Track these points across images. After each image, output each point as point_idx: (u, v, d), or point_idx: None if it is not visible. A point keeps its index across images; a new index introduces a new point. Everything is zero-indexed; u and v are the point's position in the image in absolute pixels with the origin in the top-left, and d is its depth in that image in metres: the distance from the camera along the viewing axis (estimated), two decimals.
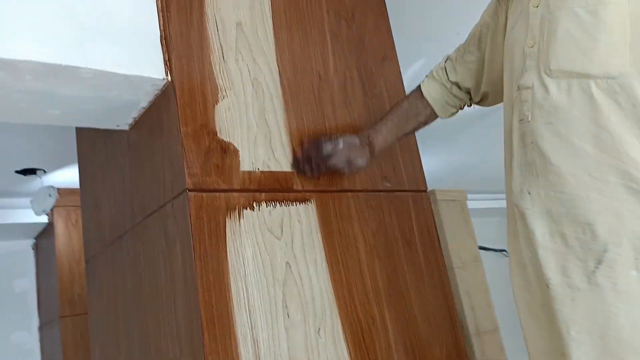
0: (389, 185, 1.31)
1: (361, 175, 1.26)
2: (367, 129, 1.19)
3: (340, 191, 1.21)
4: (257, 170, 1.08)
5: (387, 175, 1.32)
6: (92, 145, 1.46)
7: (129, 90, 1.04)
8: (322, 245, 1.12)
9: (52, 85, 0.96)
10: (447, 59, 1.16)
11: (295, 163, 1.12)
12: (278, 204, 1.09)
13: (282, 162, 1.13)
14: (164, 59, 1.04)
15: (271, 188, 1.09)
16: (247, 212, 1.04)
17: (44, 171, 2.64)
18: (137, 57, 1.01)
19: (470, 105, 1.18)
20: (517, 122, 0.86)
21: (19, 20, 0.89)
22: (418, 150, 1.41)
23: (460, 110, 1.19)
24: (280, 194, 1.10)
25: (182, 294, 0.98)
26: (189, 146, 1.00)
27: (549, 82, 0.80)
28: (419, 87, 1.18)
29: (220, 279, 0.96)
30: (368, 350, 1.11)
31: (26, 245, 3.20)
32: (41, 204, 2.58)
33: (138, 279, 1.16)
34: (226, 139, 1.06)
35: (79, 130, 1.58)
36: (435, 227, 1.37)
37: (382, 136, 1.16)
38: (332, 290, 1.11)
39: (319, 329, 1.06)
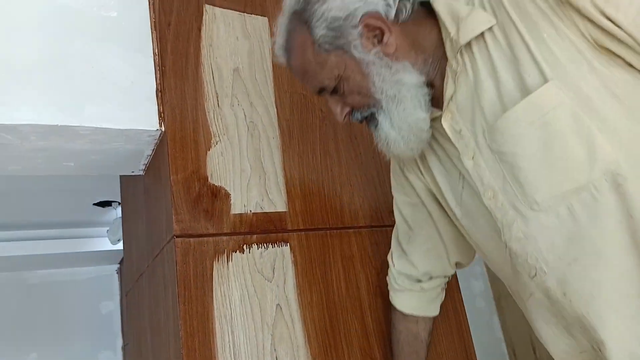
0: None
1: (365, 211, 1.24)
2: None
3: (341, 228, 1.20)
4: (249, 212, 1.11)
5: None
6: (127, 187, 1.58)
7: (129, 142, 1.11)
8: (318, 286, 1.12)
9: (56, 143, 1.06)
10: (392, 265, 1.07)
11: None
12: (270, 245, 1.10)
13: (276, 202, 1.14)
14: (158, 111, 1.10)
15: (264, 229, 1.11)
16: (236, 255, 1.06)
17: (118, 203, 2.87)
18: (132, 112, 1.08)
19: (450, 279, 1.09)
20: (529, 279, 0.76)
21: (22, 90, 0.99)
22: None
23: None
24: (274, 234, 1.12)
25: (172, 336, 1.02)
26: (178, 193, 1.05)
27: (542, 216, 0.71)
28: (394, 310, 1.08)
29: (205, 323, 0.99)
30: None
31: (111, 270, 3.48)
32: (115, 233, 2.80)
33: (151, 317, 1.23)
34: (217, 184, 1.09)
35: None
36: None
37: None
38: (329, 333, 1.09)
39: None
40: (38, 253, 2.96)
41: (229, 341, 1.00)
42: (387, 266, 1.21)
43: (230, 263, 1.05)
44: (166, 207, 1.08)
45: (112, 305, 3.40)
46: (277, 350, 1.03)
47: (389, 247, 1.22)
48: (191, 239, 1.03)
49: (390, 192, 1.28)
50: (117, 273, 3.51)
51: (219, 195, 1.09)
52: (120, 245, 3.05)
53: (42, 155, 1.10)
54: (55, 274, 3.36)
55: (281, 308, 1.07)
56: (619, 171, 0.65)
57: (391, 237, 1.22)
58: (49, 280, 3.34)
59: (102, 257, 3.30)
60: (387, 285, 1.18)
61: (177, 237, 1.02)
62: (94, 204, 2.83)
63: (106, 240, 3.16)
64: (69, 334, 3.25)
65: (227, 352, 0.99)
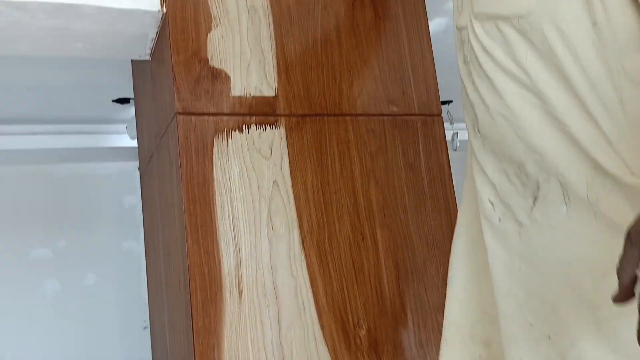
0: (396, 110, 1.32)
1: (363, 99, 1.28)
2: None
3: (338, 115, 1.25)
4: (248, 95, 1.16)
5: (394, 99, 1.32)
6: (137, 75, 1.63)
7: (132, 23, 1.15)
8: (313, 167, 1.19)
9: (64, 22, 1.10)
10: None
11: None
12: (269, 127, 1.17)
13: (275, 87, 1.19)
14: None
15: (263, 112, 1.17)
16: (235, 133, 1.13)
17: None
18: None
19: None
20: (463, 64, 0.84)
21: None
22: (434, 70, 1.38)
23: None
24: (272, 117, 1.17)
25: (177, 205, 1.12)
26: (180, 73, 1.10)
27: (476, 24, 0.78)
28: None
29: (205, 192, 1.08)
30: (355, 263, 1.18)
31: (132, 167, 3.63)
32: (134, 129, 2.89)
33: (160, 191, 1.33)
34: (218, 66, 1.14)
35: (133, 63, 1.76)
36: (447, 151, 1.36)
37: None
38: (322, 208, 1.18)
39: (304, 241, 1.15)
40: (61, 147, 3.09)
41: (228, 210, 1.09)
42: (383, 152, 1.27)
43: (230, 141, 1.12)
44: (169, 87, 1.13)
45: (134, 200, 3.58)
46: (273, 220, 1.12)
47: (385, 135, 1.28)
48: (192, 117, 1.10)
49: (389, 83, 1.31)
50: (138, 169, 3.66)
51: (219, 77, 1.14)
52: None
53: (51, 35, 1.15)
54: (79, 168, 3.52)
55: (277, 184, 1.15)
56: None
57: (387, 126, 1.28)
58: (73, 174, 3.51)
59: (123, 153, 3.42)
60: (382, 170, 1.25)
61: (179, 114, 1.08)
62: (113, 101, 2.90)
63: (126, 137, 3.28)
64: (94, 225, 3.46)
65: (227, 219, 1.08)
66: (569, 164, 0.67)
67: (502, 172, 0.78)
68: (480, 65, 0.78)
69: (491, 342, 0.86)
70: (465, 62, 0.83)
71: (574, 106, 0.67)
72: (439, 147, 1.35)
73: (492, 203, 0.80)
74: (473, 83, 0.81)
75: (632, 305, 0.51)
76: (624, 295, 0.51)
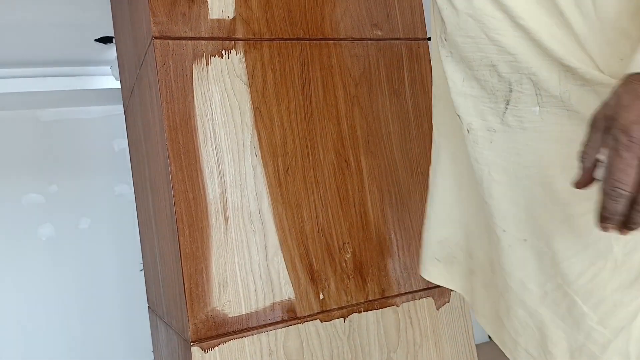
0: (380, 34, 1.29)
1: (346, 22, 1.25)
2: None
3: (320, 39, 1.22)
4: (227, 18, 1.13)
5: (378, 22, 1.29)
6: (116, 7, 1.58)
7: None
8: (296, 94, 1.18)
9: None
10: None
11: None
12: (250, 52, 1.14)
13: (255, 10, 1.16)
14: None
15: (242, 37, 1.14)
16: (215, 59, 1.11)
17: None
18: None
19: None
20: None
21: None
22: None
23: None
24: (252, 41, 1.15)
25: (159, 133, 1.11)
26: None
27: None
28: None
29: (187, 120, 1.07)
30: (339, 189, 1.19)
31: (120, 110, 3.59)
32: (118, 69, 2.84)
33: (144, 122, 1.32)
34: None
35: None
36: (432, 78, 1.34)
37: None
38: (306, 135, 1.18)
39: (288, 168, 1.15)
40: (47, 90, 3.04)
41: (210, 137, 1.08)
42: (367, 78, 1.25)
43: (209, 67, 1.10)
44: (145, 11, 1.10)
45: (124, 143, 3.55)
46: (256, 148, 1.12)
47: (369, 60, 1.26)
48: (169, 41, 1.07)
49: (372, 6, 1.28)
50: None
51: (196, 0, 1.10)
52: None
53: None
54: (67, 112, 3.48)
55: (260, 111, 1.14)
56: None
57: (370, 50, 1.25)
58: (61, 118, 3.47)
59: (110, 95, 3.37)
60: (366, 96, 1.24)
61: (155, 38, 1.06)
62: (95, 40, 2.83)
63: (112, 79, 3.22)
64: (85, 169, 3.45)
65: (209, 146, 1.08)
66: (539, 64, 0.67)
67: (473, 78, 0.77)
68: None
69: (473, 253, 0.88)
70: None
71: (541, 6, 0.66)
72: (424, 72, 1.33)
73: (459, 116, 0.80)
74: None
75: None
76: (584, 179, 0.52)
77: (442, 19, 0.79)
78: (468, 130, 0.79)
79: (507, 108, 0.73)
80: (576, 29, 0.63)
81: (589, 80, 0.62)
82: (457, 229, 0.90)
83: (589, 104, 0.61)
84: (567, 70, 0.64)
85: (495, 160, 0.76)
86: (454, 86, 0.80)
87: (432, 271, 0.95)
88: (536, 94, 0.69)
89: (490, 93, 0.75)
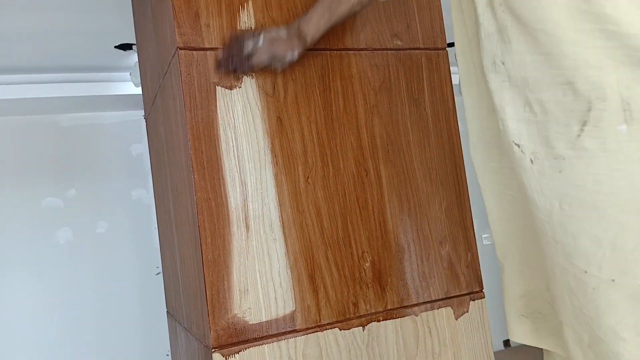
0: (400, 44, 1.30)
1: (367, 32, 1.26)
2: (298, 18, 1.13)
3: (341, 49, 1.23)
4: (249, 29, 1.14)
5: (398, 32, 1.30)
6: (138, 16, 1.61)
7: None
8: (317, 103, 1.19)
9: None
10: None
11: (218, 64, 1.09)
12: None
13: (277, 20, 1.17)
14: None
15: None
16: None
17: None
18: None
19: None
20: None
21: None
22: (439, 2, 1.35)
23: None
24: None
25: (182, 142, 1.13)
26: (179, 6, 1.08)
27: None
28: None
29: (210, 129, 1.09)
30: (359, 198, 1.20)
31: (138, 115, 3.63)
32: (138, 75, 2.87)
33: (165, 131, 1.34)
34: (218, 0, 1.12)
35: (133, 4, 1.73)
36: (452, 86, 1.34)
37: (314, 24, 1.08)
38: (326, 144, 1.19)
39: (308, 177, 1.16)
40: (67, 95, 3.09)
41: (232, 146, 1.10)
42: (387, 87, 1.26)
43: (232, 77, 1.12)
44: (169, 22, 1.12)
45: (141, 148, 3.60)
46: (277, 157, 1.14)
47: (389, 70, 1.27)
48: (194, 52, 1.09)
49: (393, 17, 1.28)
50: (144, 118, 3.66)
51: (220, 11, 1.12)
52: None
53: None
54: (85, 118, 3.53)
55: (281, 120, 1.15)
56: None
57: (390, 60, 1.26)
58: (80, 123, 3.52)
59: (128, 101, 3.42)
60: (386, 106, 1.24)
61: (180, 49, 1.08)
62: (115, 47, 2.87)
63: (130, 84, 3.26)
64: (103, 173, 3.49)
65: (232, 154, 1.10)
66: (632, 75, 0.62)
67: (537, 102, 0.71)
68: None
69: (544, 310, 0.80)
70: None
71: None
72: (443, 82, 1.34)
73: (518, 145, 0.73)
74: (502, 4, 0.73)
75: None
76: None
77: (498, 42, 0.75)
78: (532, 161, 0.72)
79: (582, 130, 0.67)
80: None
81: None
82: (538, 277, 0.81)
83: None
84: None
85: (567, 192, 0.68)
86: (513, 114, 0.74)
87: (518, 331, 0.86)
88: (623, 110, 0.64)
89: (559, 116, 0.69)
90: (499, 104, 0.76)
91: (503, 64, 0.75)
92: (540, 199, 0.70)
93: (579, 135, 0.67)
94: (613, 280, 0.64)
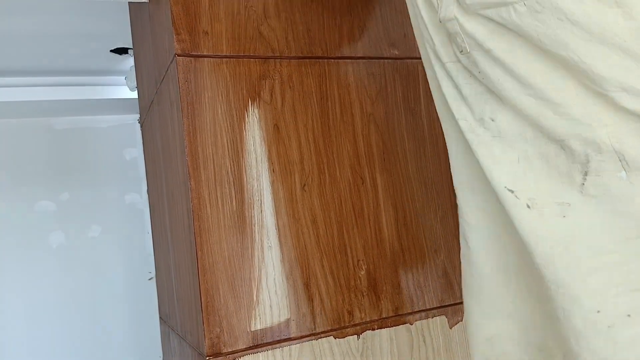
0: (397, 53, 1.31)
1: (364, 41, 1.27)
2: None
3: (338, 58, 1.24)
4: (247, 37, 1.15)
5: (395, 42, 1.31)
6: (136, 21, 1.61)
7: None
8: (314, 111, 1.19)
9: None
10: None
11: None
12: (269, 72, 1.16)
13: (276, 29, 1.18)
14: None
15: (264, 55, 1.16)
16: (235, 77, 1.12)
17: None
18: None
19: None
20: (455, 60, 0.78)
21: None
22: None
23: None
24: (272, 60, 1.16)
25: (179, 148, 1.13)
26: (178, 13, 1.09)
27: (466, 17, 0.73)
28: None
29: (207, 136, 1.09)
30: (354, 206, 1.20)
31: (132, 119, 3.62)
32: (133, 80, 2.87)
33: (162, 135, 1.34)
34: (217, 6, 1.12)
35: (130, 8, 1.73)
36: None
37: None
38: (322, 152, 1.19)
39: (305, 185, 1.16)
40: (61, 99, 3.08)
41: (229, 153, 1.10)
42: (384, 96, 1.27)
43: (230, 84, 1.12)
44: (168, 29, 1.12)
45: (135, 152, 3.59)
46: (274, 164, 1.14)
47: (385, 79, 1.27)
48: (192, 59, 1.09)
49: (390, 26, 1.29)
50: (139, 122, 3.65)
51: (218, 18, 1.12)
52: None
53: None
54: (79, 121, 3.52)
55: (278, 128, 1.15)
56: None
57: (387, 69, 1.27)
58: (74, 126, 3.50)
59: (122, 105, 3.41)
60: (382, 114, 1.25)
61: (178, 56, 1.08)
62: (111, 51, 2.87)
63: (125, 89, 3.25)
64: (97, 178, 3.47)
65: (229, 161, 1.09)
66: (620, 130, 0.63)
67: (535, 156, 0.71)
68: (489, 51, 0.72)
69: (544, 345, 0.77)
70: (462, 52, 0.76)
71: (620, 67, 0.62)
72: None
73: (512, 191, 0.72)
74: (480, 72, 0.74)
75: None
76: None
77: (488, 101, 0.75)
78: (529, 206, 0.71)
79: (585, 179, 0.67)
80: None
81: None
82: (509, 320, 0.79)
83: None
84: None
85: (573, 236, 0.68)
86: (507, 166, 0.74)
87: None
88: (619, 160, 0.64)
89: (561, 169, 0.69)
90: (487, 162, 0.76)
91: (493, 120, 0.75)
92: (540, 243, 0.69)
93: (582, 184, 0.67)
94: (629, 315, 0.63)
